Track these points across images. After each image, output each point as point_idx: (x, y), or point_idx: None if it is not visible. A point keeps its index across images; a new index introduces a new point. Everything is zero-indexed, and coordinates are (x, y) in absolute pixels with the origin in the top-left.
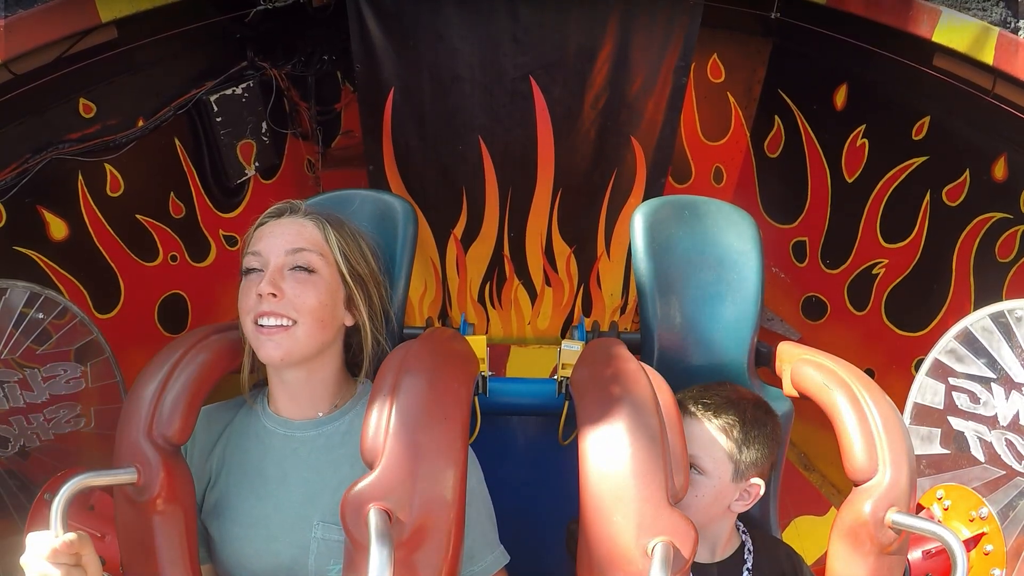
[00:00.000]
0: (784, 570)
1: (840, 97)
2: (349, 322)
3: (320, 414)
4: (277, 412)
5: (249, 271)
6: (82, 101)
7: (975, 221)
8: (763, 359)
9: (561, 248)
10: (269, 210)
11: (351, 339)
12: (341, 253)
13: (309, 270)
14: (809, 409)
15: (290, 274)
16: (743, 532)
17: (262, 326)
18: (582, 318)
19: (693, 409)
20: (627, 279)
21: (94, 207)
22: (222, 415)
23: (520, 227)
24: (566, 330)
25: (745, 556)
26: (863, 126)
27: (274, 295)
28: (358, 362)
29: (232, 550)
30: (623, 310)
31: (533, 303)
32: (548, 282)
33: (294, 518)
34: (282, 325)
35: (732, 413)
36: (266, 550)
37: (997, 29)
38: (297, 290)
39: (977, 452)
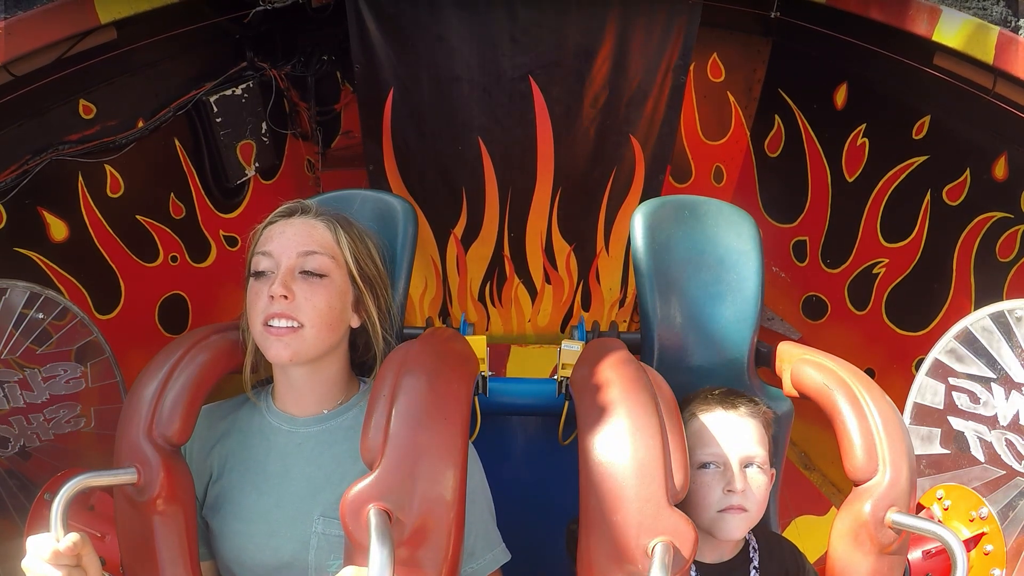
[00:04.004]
0: (789, 568)
1: (840, 96)
2: (355, 323)
3: (325, 411)
4: (283, 409)
5: (259, 274)
6: (82, 102)
7: (975, 221)
8: (763, 359)
9: (561, 246)
10: (279, 209)
11: (357, 339)
12: (351, 255)
13: (320, 275)
14: (809, 409)
15: (301, 276)
16: (748, 531)
17: (271, 326)
18: (582, 318)
19: (728, 409)
20: (626, 274)
21: (94, 208)
22: (225, 412)
23: (520, 227)
24: (565, 325)
25: (751, 555)
26: (863, 125)
27: (285, 296)
28: (363, 361)
29: (232, 545)
30: (622, 303)
31: (533, 301)
32: (548, 280)
33: (295, 513)
34: (291, 327)
35: (750, 400)
36: (267, 545)
37: (997, 28)
38: (308, 293)
39: (977, 452)
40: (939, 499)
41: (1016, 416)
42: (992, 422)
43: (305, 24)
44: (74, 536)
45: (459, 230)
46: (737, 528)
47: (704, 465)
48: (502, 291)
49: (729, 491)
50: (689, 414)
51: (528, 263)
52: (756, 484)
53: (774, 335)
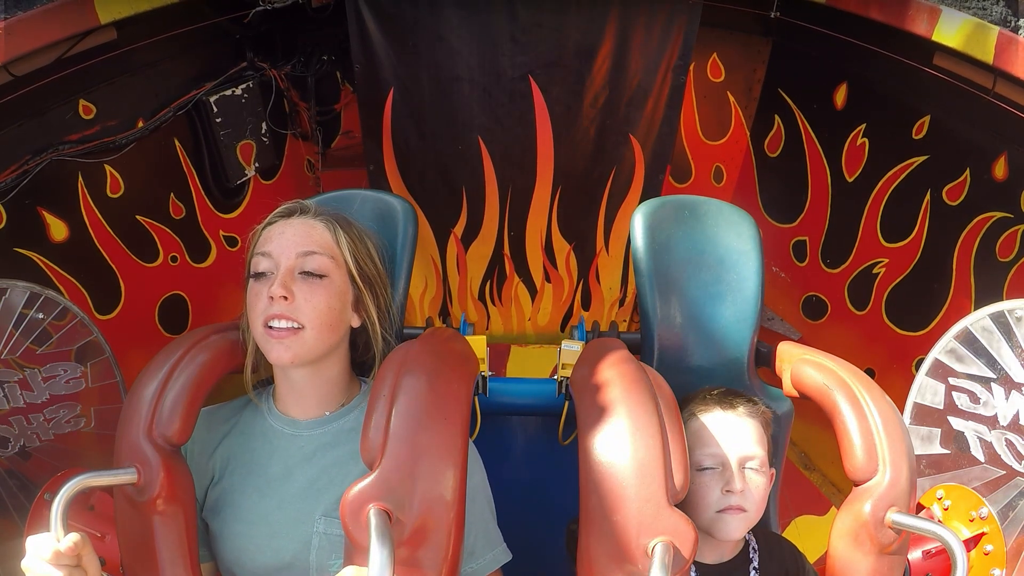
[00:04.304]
0: (789, 568)
1: (840, 96)
2: (356, 323)
3: (327, 413)
4: (284, 412)
5: (259, 275)
6: (82, 102)
7: (975, 220)
8: (763, 359)
9: (561, 245)
10: (278, 209)
11: (357, 339)
12: (351, 255)
13: (320, 275)
14: (809, 409)
15: (301, 277)
16: (748, 531)
17: (272, 328)
18: (582, 318)
19: (726, 409)
20: (625, 273)
21: (94, 208)
22: (226, 414)
23: (520, 226)
24: (565, 324)
25: (751, 555)
26: (863, 125)
27: (285, 298)
28: (364, 361)
29: (233, 546)
30: (621, 302)
31: (533, 300)
32: (548, 279)
33: (296, 514)
34: (292, 328)
35: (748, 400)
36: (268, 546)
37: (997, 28)
38: (307, 294)
39: (977, 452)
40: (939, 499)
41: (1016, 416)
42: (992, 422)
43: (305, 24)
44: (74, 536)
45: (459, 229)
46: (736, 529)
47: (703, 465)
48: (502, 290)
49: (728, 491)
50: (688, 414)
51: (528, 262)
52: (755, 484)
53: (774, 335)
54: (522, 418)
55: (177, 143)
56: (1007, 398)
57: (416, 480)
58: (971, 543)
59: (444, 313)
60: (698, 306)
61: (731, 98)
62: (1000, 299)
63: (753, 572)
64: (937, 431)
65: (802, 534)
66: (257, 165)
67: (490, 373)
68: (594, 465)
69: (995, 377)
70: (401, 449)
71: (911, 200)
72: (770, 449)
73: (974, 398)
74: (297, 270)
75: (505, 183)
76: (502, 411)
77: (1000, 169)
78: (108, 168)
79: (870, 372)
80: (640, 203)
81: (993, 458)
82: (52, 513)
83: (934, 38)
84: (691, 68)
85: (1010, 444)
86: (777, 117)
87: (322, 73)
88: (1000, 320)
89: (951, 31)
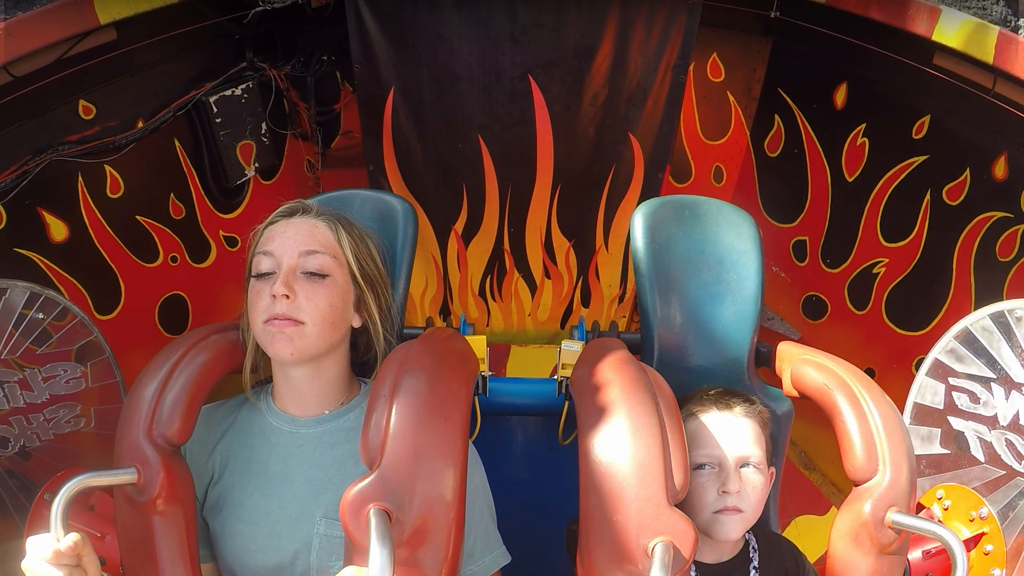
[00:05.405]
0: (788, 567)
1: (840, 96)
2: (357, 323)
3: (326, 412)
4: (283, 410)
5: (261, 275)
6: (82, 103)
7: (975, 220)
8: (763, 359)
9: (560, 242)
10: (280, 209)
11: (358, 339)
12: (353, 255)
13: (322, 275)
14: (809, 409)
15: (303, 277)
16: (747, 530)
17: (273, 321)
18: (581, 318)
19: (723, 409)
20: (625, 271)
21: (94, 208)
22: (225, 413)
23: (520, 222)
24: (565, 321)
25: (751, 555)
26: (863, 125)
27: (287, 296)
28: (364, 362)
29: (234, 546)
30: (621, 299)
31: (533, 295)
32: (548, 275)
33: (298, 514)
34: (293, 319)
35: (746, 400)
36: (269, 546)
37: (997, 27)
38: (309, 292)
39: (977, 452)
40: (939, 499)
41: (1016, 416)
42: (992, 422)
43: (305, 24)
44: (74, 536)
45: (459, 226)
46: (733, 529)
47: (700, 466)
48: (502, 285)
49: (724, 492)
50: (685, 414)
51: (528, 257)
52: (752, 484)
53: (774, 335)
54: (522, 418)
55: (177, 143)
56: (1007, 398)
57: (416, 480)
58: (971, 543)
59: (445, 311)
60: (698, 306)
61: (731, 98)
62: (1000, 299)
63: (753, 572)
64: (937, 431)
65: (802, 534)
66: (257, 165)
67: (490, 373)
68: (594, 465)
69: (995, 377)
70: (401, 449)
71: (911, 200)
72: (768, 449)
73: (974, 398)
74: (299, 269)
75: (505, 181)
76: (502, 411)
77: (1000, 169)
78: (108, 168)
79: (870, 372)
80: (639, 202)
81: (993, 458)
82: (52, 513)
83: (934, 38)
84: (691, 68)
85: (1010, 444)
86: (777, 117)
87: (322, 73)
88: (1000, 320)
89: (951, 31)
